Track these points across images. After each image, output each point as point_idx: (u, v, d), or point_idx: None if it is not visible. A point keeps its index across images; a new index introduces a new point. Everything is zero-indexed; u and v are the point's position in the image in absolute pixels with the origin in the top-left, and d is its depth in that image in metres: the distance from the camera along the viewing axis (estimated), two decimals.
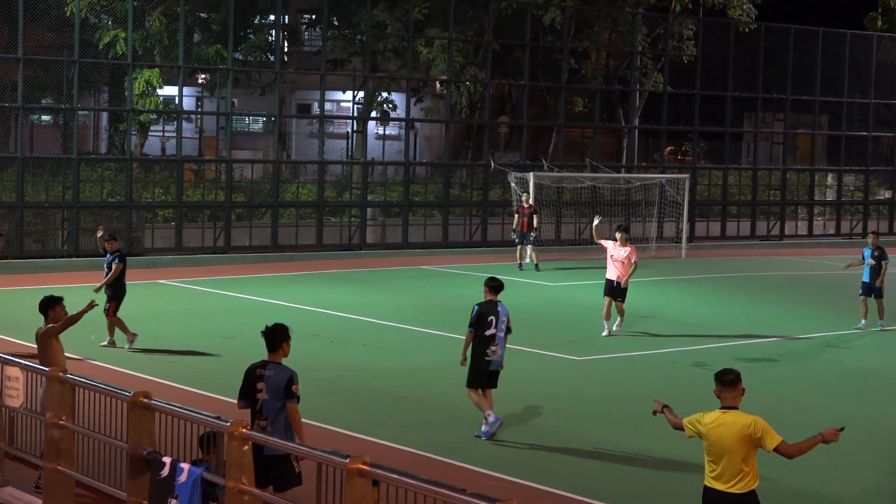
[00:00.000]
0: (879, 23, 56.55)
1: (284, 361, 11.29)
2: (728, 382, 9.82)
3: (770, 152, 53.23)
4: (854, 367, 21.48)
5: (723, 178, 47.56)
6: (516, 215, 35.45)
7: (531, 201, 36.12)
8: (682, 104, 47.83)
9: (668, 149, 53.37)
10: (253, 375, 11.21)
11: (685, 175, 43.12)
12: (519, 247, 35.32)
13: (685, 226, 42.07)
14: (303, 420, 11.14)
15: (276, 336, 11.27)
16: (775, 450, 9.63)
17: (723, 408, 9.82)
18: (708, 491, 9.84)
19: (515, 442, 15.59)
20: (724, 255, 42.71)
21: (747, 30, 47.80)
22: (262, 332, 11.33)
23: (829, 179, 51.54)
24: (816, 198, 50.54)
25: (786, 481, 13.61)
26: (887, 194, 53.07)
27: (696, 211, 45.66)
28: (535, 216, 35.04)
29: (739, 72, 47.09)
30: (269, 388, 11.05)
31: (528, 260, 34.90)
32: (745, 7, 49.59)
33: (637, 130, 49.00)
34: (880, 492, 14.19)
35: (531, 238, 34.93)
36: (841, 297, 31.45)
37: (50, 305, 13.52)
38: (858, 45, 50.17)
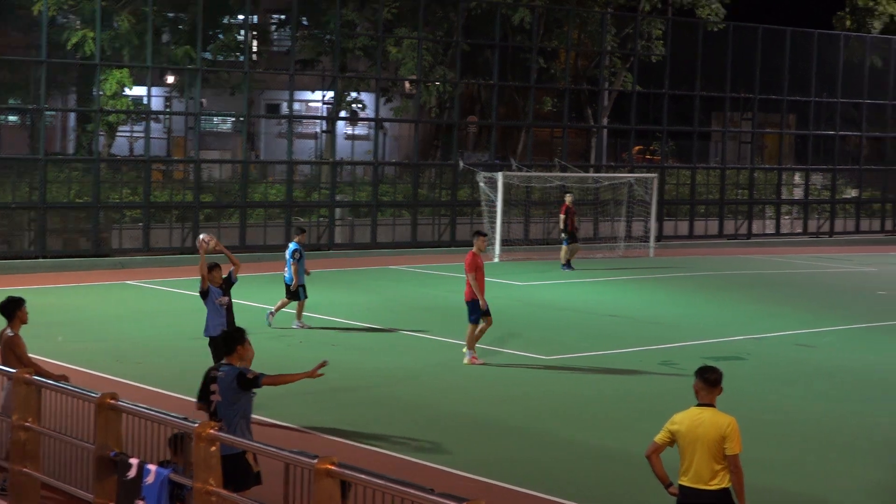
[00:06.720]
0: (848, 22, 56.87)
1: (255, 363, 11.29)
2: (713, 382, 9.89)
3: (738, 151, 53.43)
4: (822, 366, 21.57)
5: (691, 178, 47.73)
6: (562, 216, 35.17)
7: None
8: (651, 103, 47.95)
9: (637, 148, 53.49)
10: (208, 377, 11.26)
11: (653, 174, 43.20)
12: (568, 245, 35.06)
13: (653, 225, 42.13)
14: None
15: (230, 340, 11.40)
16: (729, 457, 9.65)
17: (699, 405, 9.87)
18: (684, 490, 9.84)
19: (499, 444, 15.58)
20: (693, 254, 42.82)
21: (715, 29, 48.01)
22: (218, 336, 11.34)
23: (797, 178, 51.82)
24: (784, 197, 50.81)
25: (777, 482, 13.58)
26: (854, 193, 53.38)
27: (664, 210, 45.79)
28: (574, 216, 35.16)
29: (708, 71, 47.25)
30: (220, 388, 11.06)
31: (570, 256, 34.70)
32: (713, 7, 49.81)
33: (606, 130, 49.11)
34: (869, 492, 14.05)
35: (569, 238, 34.82)
36: (808, 295, 31.65)
37: (14, 307, 13.29)
38: (826, 44, 50.44)
